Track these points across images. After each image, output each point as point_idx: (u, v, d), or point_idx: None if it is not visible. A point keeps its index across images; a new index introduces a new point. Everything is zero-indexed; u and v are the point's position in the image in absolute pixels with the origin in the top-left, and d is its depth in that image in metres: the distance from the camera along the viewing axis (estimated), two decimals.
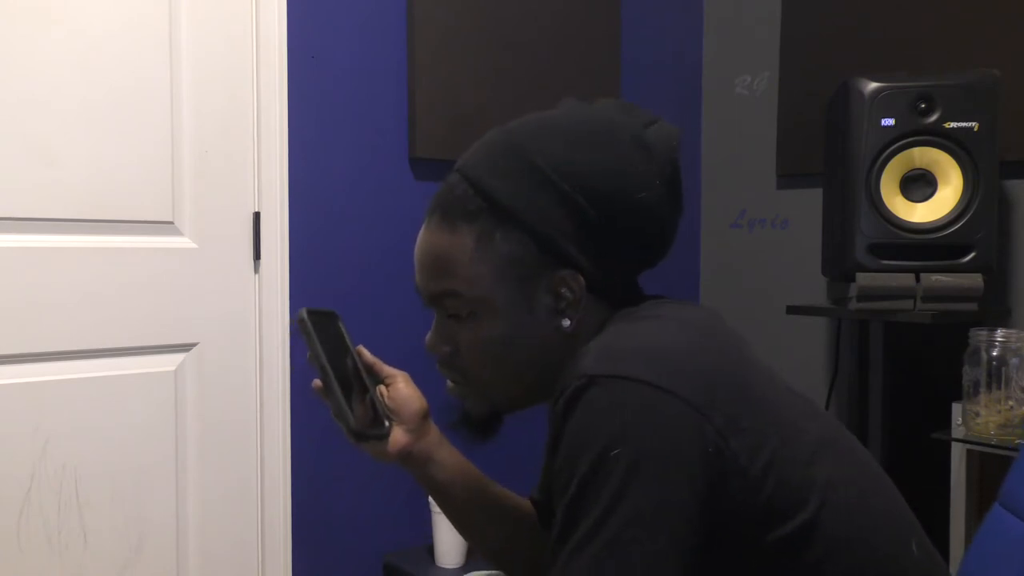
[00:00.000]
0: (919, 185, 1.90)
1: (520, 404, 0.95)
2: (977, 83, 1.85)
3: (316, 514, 2.05)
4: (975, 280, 1.86)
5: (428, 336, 0.95)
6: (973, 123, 1.85)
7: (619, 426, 0.74)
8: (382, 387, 1.04)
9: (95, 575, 1.77)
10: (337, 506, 2.09)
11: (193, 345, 1.88)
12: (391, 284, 2.13)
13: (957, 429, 1.80)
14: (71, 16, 1.73)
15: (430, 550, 2.10)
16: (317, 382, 0.98)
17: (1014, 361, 1.72)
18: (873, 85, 1.88)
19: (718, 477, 0.75)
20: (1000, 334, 1.74)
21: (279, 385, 1.98)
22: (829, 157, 2.09)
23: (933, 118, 1.86)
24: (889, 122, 1.87)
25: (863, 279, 1.89)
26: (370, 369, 1.04)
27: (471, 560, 2.06)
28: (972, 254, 1.86)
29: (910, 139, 1.87)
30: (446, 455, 1.04)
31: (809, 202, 2.37)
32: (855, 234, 1.89)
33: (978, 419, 1.74)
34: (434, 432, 1.04)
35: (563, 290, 0.88)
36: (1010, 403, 1.72)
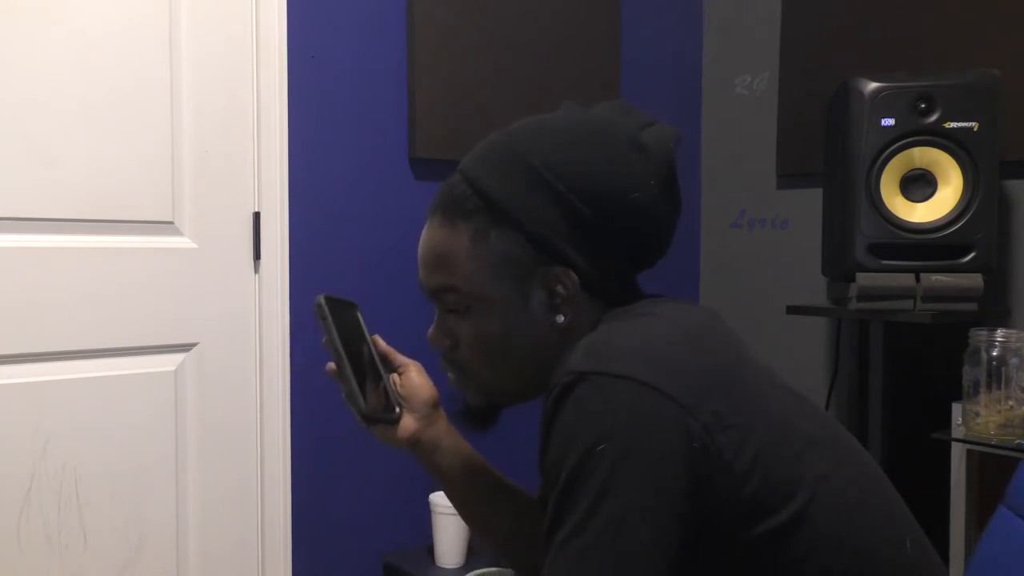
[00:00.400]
0: (919, 185, 1.90)
1: (516, 397, 0.98)
2: (977, 83, 1.85)
3: (316, 514, 2.05)
4: (975, 280, 1.86)
5: (430, 330, 0.98)
6: (973, 123, 1.85)
7: (606, 422, 0.76)
8: (395, 375, 1.07)
9: (95, 575, 1.77)
10: (337, 506, 2.09)
11: (193, 345, 1.88)
12: (391, 284, 2.13)
13: (957, 429, 1.80)
14: (71, 16, 1.73)
15: (430, 550, 2.10)
16: (331, 365, 1.01)
17: (1014, 361, 1.72)
18: (873, 85, 1.88)
19: (703, 472, 0.76)
20: (1000, 334, 1.73)
21: (279, 385, 1.98)
22: (829, 157, 2.09)
23: (933, 118, 1.86)
24: (889, 122, 1.87)
25: (863, 279, 1.89)
26: (385, 358, 1.07)
27: (471, 560, 2.06)
28: (972, 254, 1.86)
29: (910, 139, 1.87)
30: (454, 444, 1.07)
31: (809, 202, 2.37)
32: (855, 234, 1.89)
33: (978, 419, 1.74)
34: (443, 421, 1.07)
35: (557, 287, 0.90)
36: (1010, 403, 1.72)
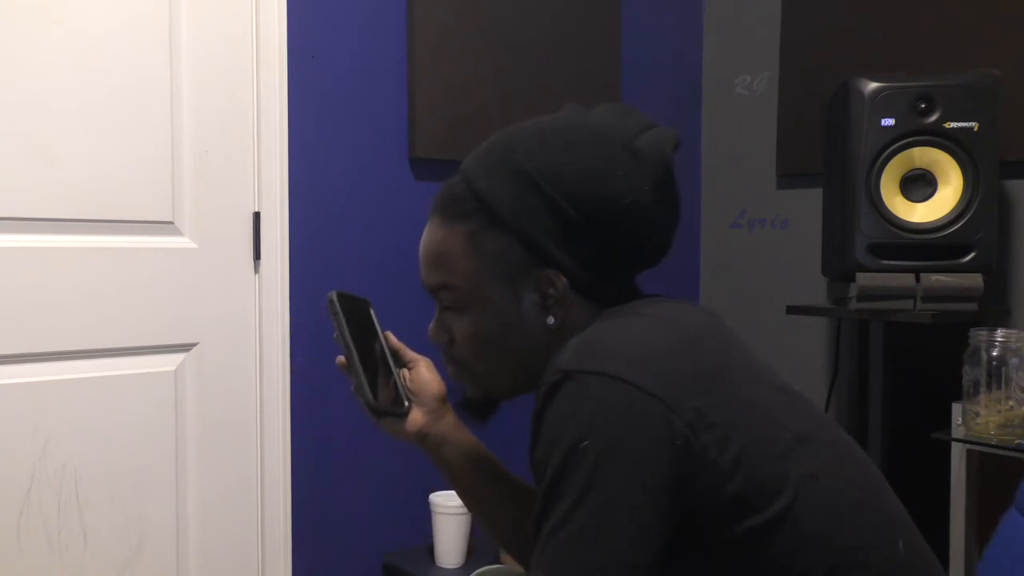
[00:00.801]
0: (919, 185, 1.90)
1: (510, 392, 1.01)
2: (977, 83, 1.85)
3: (316, 514, 2.05)
4: (975, 280, 1.86)
5: (430, 326, 1.02)
6: (973, 123, 1.85)
7: (590, 419, 0.78)
8: (405, 370, 1.11)
9: (95, 575, 1.77)
10: (337, 506, 2.09)
11: (193, 345, 1.88)
12: (391, 284, 2.13)
13: (957, 429, 1.80)
14: (71, 16, 1.73)
15: (430, 550, 2.10)
16: (341, 358, 1.05)
17: (1014, 361, 1.72)
18: (873, 85, 1.88)
19: (687, 469, 0.78)
20: (1000, 334, 1.73)
21: (279, 385, 1.98)
22: (829, 157, 2.09)
23: (933, 118, 1.86)
24: (889, 122, 1.87)
25: (863, 279, 1.89)
26: (396, 353, 1.11)
27: (471, 560, 2.06)
28: (972, 254, 1.86)
29: (910, 139, 1.87)
30: (462, 438, 1.09)
31: (809, 202, 2.37)
32: (855, 234, 1.89)
33: (978, 419, 1.74)
34: (451, 416, 1.09)
35: (548, 289, 0.93)
36: (1010, 403, 1.72)
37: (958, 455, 1.81)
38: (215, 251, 1.90)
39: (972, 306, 1.87)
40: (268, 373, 1.97)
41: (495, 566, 1.30)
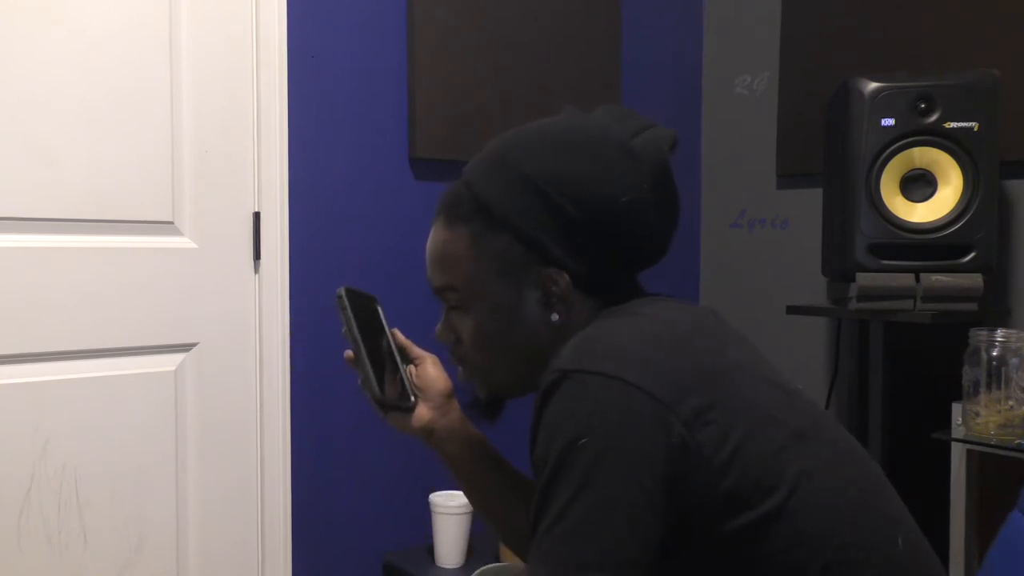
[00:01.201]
0: (919, 185, 1.90)
1: (516, 390, 1.02)
2: (977, 83, 1.85)
3: (316, 514, 2.05)
4: (975, 280, 1.86)
5: (437, 326, 1.03)
6: (973, 123, 1.85)
7: (587, 418, 0.79)
8: (411, 367, 1.13)
9: (95, 575, 1.77)
10: (337, 506, 2.09)
11: (193, 345, 1.88)
12: (391, 284, 2.13)
13: (957, 429, 1.80)
14: (71, 16, 1.73)
15: (430, 550, 2.10)
16: (349, 353, 1.07)
17: (1014, 361, 1.72)
18: (873, 85, 1.88)
19: (682, 467, 0.79)
20: (1000, 334, 1.73)
21: (279, 385, 1.98)
22: (829, 157, 2.09)
23: (933, 118, 1.86)
24: (889, 122, 1.87)
25: (863, 279, 1.89)
26: (403, 350, 1.13)
27: (471, 560, 2.06)
28: (972, 254, 1.86)
29: (910, 139, 1.87)
30: (467, 434, 1.11)
31: (809, 202, 2.37)
32: (855, 234, 1.89)
33: (978, 419, 1.74)
34: (457, 412, 1.11)
35: (551, 287, 0.94)
36: (1010, 403, 1.72)
37: (958, 455, 1.81)
38: (215, 251, 1.90)
39: (972, 306, 1.87)
40: (268, 373, 1.97)
41: (496, 564, 1.30)
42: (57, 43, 1.72)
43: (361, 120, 2.10)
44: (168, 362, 1.86)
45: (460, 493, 1.88)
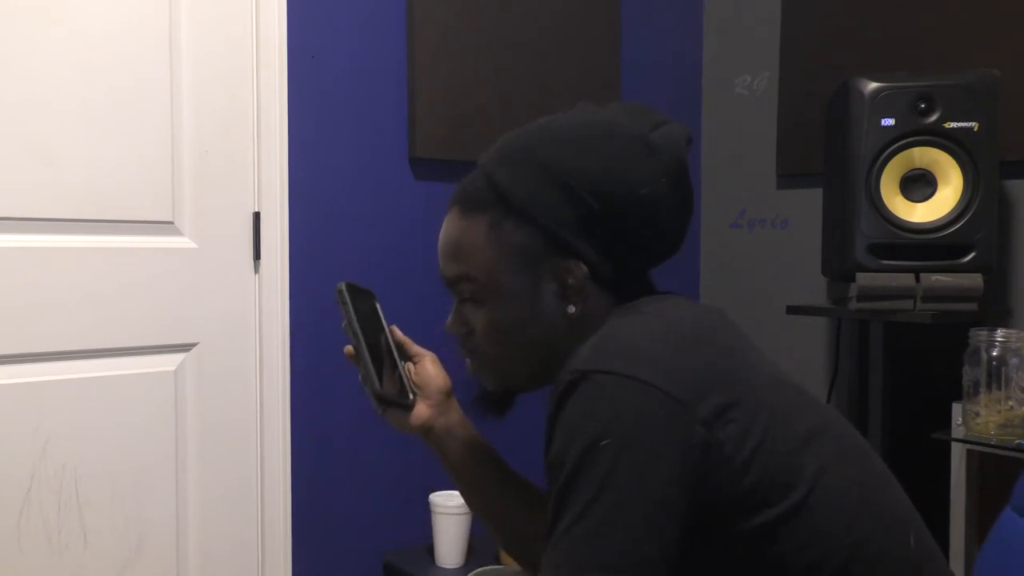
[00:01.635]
0: (919, 185, 1.90)
1: (530, 384, 1.01)
2: (977, 83, 1.85)
3: (316, 514, 2.05)
4: (975, 280, 1.86)
5: (448, 318, 1.02)
6: (973, 123, 1.85)
7: (607, 419, 0.78)
8: (410, 364, 1.12)
9: (95, 575, 1.77)
10: (337, 506, 2.09)
11: (193, 345, 1.88)
12: (391, 284, 2.13)
13: (957, 429, 1.80)
14: (71, 16, 1.73)
15: (430, 550, 2.10)
16: (349, 348, 1.07)
17: (1014, 361, 1.72)
18: (873, 85, 1.88)
19: (703, 468, 0.79)
20: (1000, 334, 1.73)
21: (279, 385, 1.98)
22: (829, 157, 2.09)
23: (933, 118, 1.86)
24: (889, 122, 1.87)
25: (863, 279, 1.89)
26: (401, 347, 1.12)
27: (471, 560, 2.06)
28: (972, 254, 1.86)
29: (910, 139, 1.87)
30: (466, 433, 1.10)
31: (809, 202, 2.37)
32: (855, 234, 1.89)
33: (978, 419, 1.74)
34: (456, 411, 1.10)
35: (568, 278, 0.94)
36: (1010, 403, 1.72)
37: (958, 455, 1.81)
38: (215, 251, 1.90)
39: (972, 306, 1.87)
40: (268, 373, 1.97)
41: (494, 567, 1.30)
42: (57, 43, 1.72)
43: (361, 120, 2.10)
44: (168, 362, 1.86)
45: None
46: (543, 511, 1.10)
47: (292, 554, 2.01)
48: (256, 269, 1.96)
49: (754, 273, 2.60)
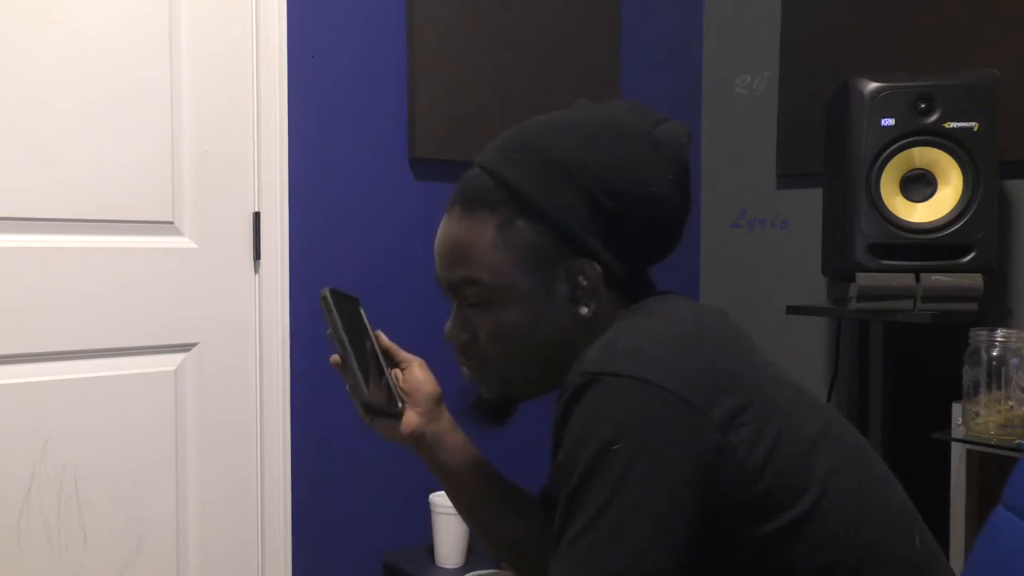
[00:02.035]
0: (919, 185, 1.90)
1: (536, 389, 0.98)
2: (977, 83, 1.85)
3: (316, 514, 2.05)
4: (975, 280, 1.86)
5: (447, 324, 0.98)
6: (973, 123, 1.85)
7: (618, 422, 0.76)
8: (397, 371, 1.08)
9: (95, 575, 1.77)
10: (337, 506, 2.09)
11: (193, 345, 1.88)
12: (391, 284, 2.13)
13: (957, 429, 1.80)
14: (71, 16, 1.73)
15: (430, 550, 2.10)
16: (335, 357, 1.02)
17: (1014, 361, 1.72)
18: (873, 85, 1.88)
19: (716, 472, 0.77)
20: (1000, 334, 1.73)
21: (279, 385, 1.98)
22: (829, 157, 2.09)
23: (933, 118, 1.86)
24: (889, 122, 1.87)
25: (863, 279, 1.89)
26: (387, 353, 1.08)
27: (471, 560, 2.06)
28: (972, 254, 1.86)
29: (910, 139, 1.87)
30: (457, 441, 1.07)
31: (809, 202, 2.37)
32: (855, 234, 1.89)
33: (978, 419, 1.74)
34: (446, 418, 1.07)
35: (580, 278, 0.91)
36: (1010, 403, 1.72)
37: (958, 455, 1.81)
38: (215, 251, 1.90)
39: (972, 306, 1.87)
40: (268, 373, 1.97)
41: (492, 571, 1.29)
42: (57, 43, 1.72)
43: (361, 120, 2.10)
44: (168, 362, 1.86)
45: None
46: (539, 522, 1.10)
47: (292, 554, 2.01)
48: (256, 269, 1.96)
49: (754, 273, 2.60)
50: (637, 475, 0.75)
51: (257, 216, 1.95)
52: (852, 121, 1.90)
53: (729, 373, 0.82)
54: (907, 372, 2.11)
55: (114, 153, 1.78)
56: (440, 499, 2.04)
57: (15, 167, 1.68)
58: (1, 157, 1.67)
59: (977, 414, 1.74)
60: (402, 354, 1.09)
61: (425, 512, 2.09)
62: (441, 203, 1.00)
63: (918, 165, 1.89)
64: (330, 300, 1.00)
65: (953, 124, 1.85)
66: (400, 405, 1.03)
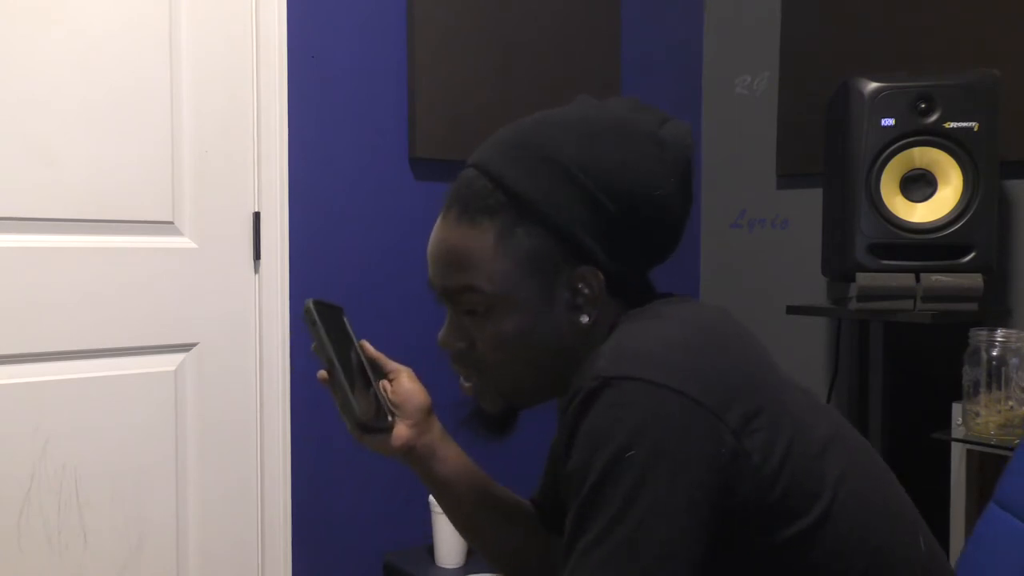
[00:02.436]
0: (919, 185, 1.90)
1: (537, 398, 0.94)
2: (977, 83, 1.85)
3: (316, 514, 2.05)
4: (975, 280, 1.86)
5: (441, 332, 0.94)
6: (973, 123, 1.85)
7: (633, 428, 0.74)
8: (385, 382, 1.03)
9: (95, 575, 1.77)
10: (337, 506, 2.09)
11: (193, 345, 1.88)
12: (391, 284, 2.13)
13: (957, 429, 1.80)
14: (71, 16, 1.73)
15: (430, 550, 2.10)
16: (322, 373, 0.98)
17: (1014, 361, 1.72)
18: (873, 85, 1.88)
19: (732, 477, 0.75)
20: (1000, 334, 1.73)
21: (279, 385, 1.98)
22: (829, 157, 2.09)
23: (933, 118, 1.86)
24: (889, 122, 1.87)
25: (863, 279, 1.89)
26: (374, 364, 1.03)
27: (471, 560, 2.06)
28: (972, 254, 1.86)
29: (910, 139, 1.87)
30: (449, 452, 1.03)
31: (809, 202, 2.37)
32: (855, 234, 1.89)
33: (978, 419, 1.74)
34: (437, 428, 1.04)
35: (581, 286, 0.88)
36: (1010, 403, 1.72)
37: (958, 455, 1.81)
38: (215, 251, 1.90)
39: (972, 306, 1.87)
40: (268, 373, 1.97)
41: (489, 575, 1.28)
42: (57, 43, 1.72)
43: (361, 120, 2.10)
44: (168, 362, 1.86)
45: None
46: (534, 531, 1.09)
47: (292, 554, 2.01)
48: (256, 269, 1.96)
49: (754, 273, 2.60)
50: (652, 483, 0.72)
51: (257, 216, 1.95)
52: (852, 121, 1.90)
53: (739, 376, 0.79)
54: (907, 372, 2.11)
55: (114, 153, 1.78)
56: None
57: (15, 167, 1.68)
58: (1, 157, 1.67)
59: (977, 414, 1.74)
60: (390, 364, 1.05)
61: (425, 512, 2.09)
62: (441, 203, 0.97)
63: (918, 165, 1.89)
64: (314, 313, 0.94)
65: (953, 124, 1.85)
66: (390, 418, 1.00)
